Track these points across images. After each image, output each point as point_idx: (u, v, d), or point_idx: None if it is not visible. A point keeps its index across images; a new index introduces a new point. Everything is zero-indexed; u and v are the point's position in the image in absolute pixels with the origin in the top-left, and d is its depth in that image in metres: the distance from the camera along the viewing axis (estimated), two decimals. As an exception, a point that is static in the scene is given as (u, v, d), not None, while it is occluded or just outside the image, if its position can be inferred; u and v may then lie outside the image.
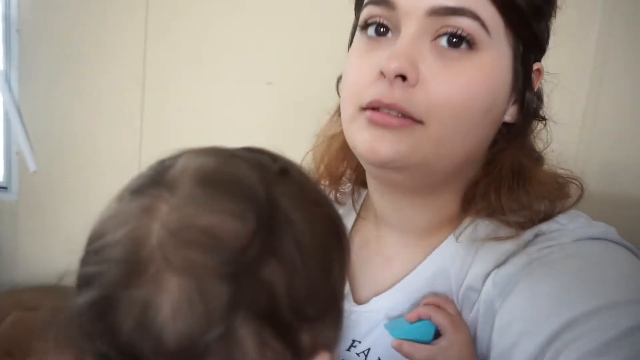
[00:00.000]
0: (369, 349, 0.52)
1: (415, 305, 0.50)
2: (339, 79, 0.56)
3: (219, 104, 1.52)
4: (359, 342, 0.53)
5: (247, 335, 0.28)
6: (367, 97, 0.45)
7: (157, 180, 0.30)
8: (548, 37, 0.50)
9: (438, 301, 0.48)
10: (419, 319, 0.47)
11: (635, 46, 1.12)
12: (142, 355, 0.27)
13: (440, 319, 0.46)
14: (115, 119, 1.66)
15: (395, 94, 0.43)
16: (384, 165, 0.45)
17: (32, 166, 1.82)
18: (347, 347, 0.53)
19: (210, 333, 0.26)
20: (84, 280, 0.29)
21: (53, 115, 1.75)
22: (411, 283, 0.51)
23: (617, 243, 0.45)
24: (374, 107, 0.44)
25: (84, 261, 0.30)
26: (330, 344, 0.33)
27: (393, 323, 0.50)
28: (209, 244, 0.27)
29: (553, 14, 0.49)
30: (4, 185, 1.95)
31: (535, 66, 0.50)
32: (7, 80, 1.83)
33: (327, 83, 0.61)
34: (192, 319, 0.26)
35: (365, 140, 0.45)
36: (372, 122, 0.44)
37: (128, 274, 0.27)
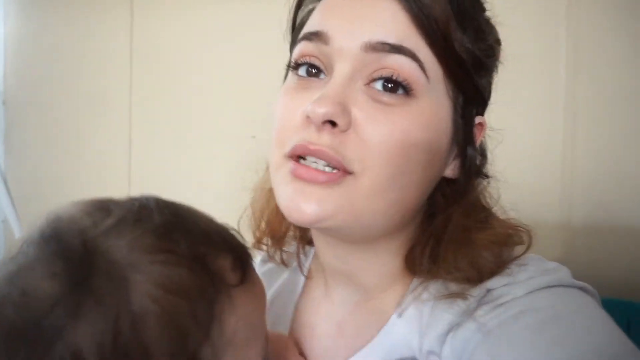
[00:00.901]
0: None
1: None
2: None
3: (203, 159, 1.54)
4: None
5: None
6: (293, 142, 0.40)
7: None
8: (489, 92, 0.47)
9: None
10: None
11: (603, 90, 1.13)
12: None
13: None
14: (104, 182, 1.67)
15: (324, 140, 0.39)
16: (310, 226, 0.42)
17: (17, 233, 1.81)
18: None
19: None
20: None
21: (40, 181, 1.76)
22: (368, 357, 0.46)
23: (572, 287, 0.42)
24: (299, 154, 0.40)
25: None
26: None
27: None
28: (21, 303, 0.27)
29: (495, 70, 0.47)
30: (-10, 256, 1.94)
31: (478, 120, 0.46)
32: (-7, 151, 1.84)
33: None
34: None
35: (288, 196, 0.40)
36: (296, 177, 0.40)
37: None
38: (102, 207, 0.32)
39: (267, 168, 0.54)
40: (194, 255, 0.31)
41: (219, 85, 1.54)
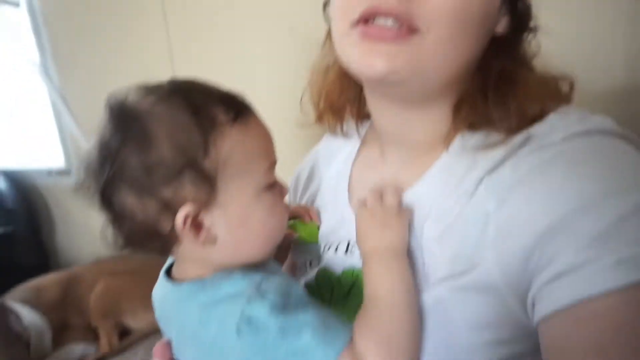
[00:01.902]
0: None
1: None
2: (326, 3, 0.54)
3: (244, 54, 1.54)
4: None
5: (126, 192, 0.44)
6: (362, 6, 0.43)
7: None
8: None
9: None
10: None
11: None
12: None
13: None
14: (148, 75, 1.71)
15: (391, 2, 0.42)
16: (381, 80, 0.44)
17: (83, 144, 1.94)
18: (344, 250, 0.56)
19: (102, 184, 0.44)
20: None
21: (94, 96, 1.83)
22: (411, 195, 0.52)
23: (613, 134, 0.44)
24: (368, 17, 0.43)
25: None
26: (198, 197, 0.44)
27: None
28: (96, 142, 0.45)
29: None
30: (67, 169, 2.11)
31: None
32: (46, 71, 1.92)
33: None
34: (98, 180, 0.44)
35: (359, 55, 0.44)
36: (366, 36, 0.43)
37: None
38: (136, 86, 0.47)
39: (324, 46, 0.60)
40: (192, 103, 0.44)
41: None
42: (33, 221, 2.16)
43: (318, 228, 0.62)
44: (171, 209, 0.44)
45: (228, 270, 0.46)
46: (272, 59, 1.48)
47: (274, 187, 0.49)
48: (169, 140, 0.43)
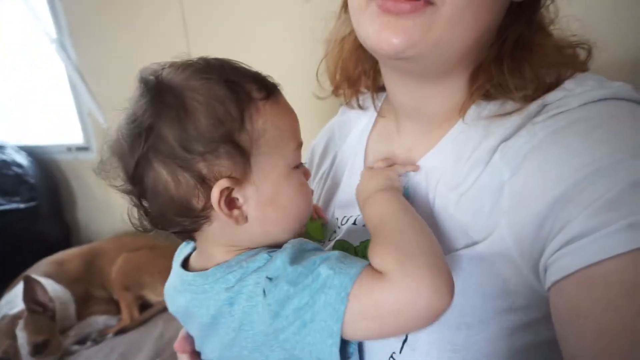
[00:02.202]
0: None
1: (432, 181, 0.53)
2: None
3: (260, 24, 1.52)
4: None
5: (160, 167, 0.43)
6: None
7: None
8: None
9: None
10: None
11: None
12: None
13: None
14: (164, 50, 1.71)
15: None
16: (397, 56, 0.44)
17: (103, 123, 1.96)
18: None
19: (134, 160, 0.43)
20: None
21: (111, 72, 1.84)
22: (427, 166, 0.52)
23: (631, 100, 0.43)
24: None
25: None
26: (233, 172, 0.43)
27: None
28: (128, 117, 0.44)
29: None
30: (85, 146, 2.13)
31: None
32: (64, 47, 1.93)
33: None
34: (131, 155, 0.44)
35: (377, 30, 0.44)
36: (384, 10, 0.43)
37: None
38: (167, 62, 0.47)
39: (340, 17, 0.60)
40: (226, 79, 0.45)
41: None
42: (55, 197, 2.21)
43: (323, 225, 0.61)
44: (206, 183, 0.43)
45: (254, 250, 0.46)
46: (288, 31, 1.46)
47: (300, 169, 0.49)
48: (206, 113, 0.43)
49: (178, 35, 1.64)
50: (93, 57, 1.90)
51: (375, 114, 0.63)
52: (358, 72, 0.62)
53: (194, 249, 0.52)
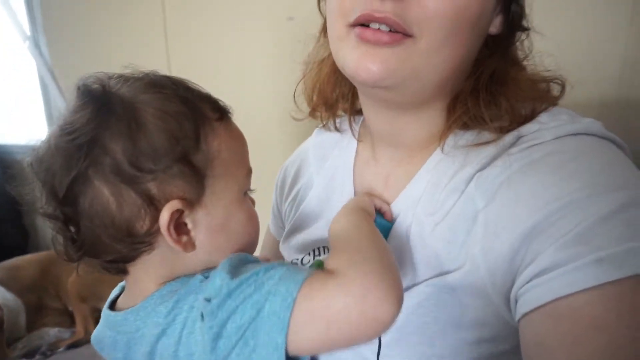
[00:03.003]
0: None
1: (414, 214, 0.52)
2: None
3: (240, 41, 1.51)
4: None
5: (101, 184, 0.39)
6: (357, 12, 0.44)
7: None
8: None
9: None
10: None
11: None
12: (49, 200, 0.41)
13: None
14: (142, 56, 1.68)
15: (387, 7, 0.42)
16: (375, 84, 0.45)
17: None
18: None
19: (70, 177, 0.39)
20: None
21: (85, 72, 1.80)
22: (407, 196, 0.52)
23: (601, 137, 0.45)
24: (363, 22, 0.44)
25: None
26: (187, 195, 0.41)
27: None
28: (63, 129, 0.40)
29: None
30: (52, 147, 2.06)
31: None
32: (37, 45, 1.87)
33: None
34: (65, 171, 0.39)
35: (356, 59, 0.44)
36: (362, 40, 0.44)
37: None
38: (114, 74, 0.44)
39: (319, 40, 0.61)
40: (181, 95, 0.42)
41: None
42: (14, 199, 2.11)
43: None
44: (154, 205, 0.39)
45: (189, 275, 0.43)
46: (268, 50, 1.46)
47: (247, 196, 0.48)
48: (161, 128, 0.39)
49: (158, 43, 1.62)
50: (67, 58, 1.85)
51: (353, 140, 0.63)
52: (335, 96, 0.62)
53: (122, 289, 0.48)
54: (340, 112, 0.64)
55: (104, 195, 0.39)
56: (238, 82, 1.65)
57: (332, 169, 0.63)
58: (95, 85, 0.41)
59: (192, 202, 0.41)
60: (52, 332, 1.55)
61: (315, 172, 0.65)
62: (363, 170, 0.60)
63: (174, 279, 0.43)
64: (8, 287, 1.55)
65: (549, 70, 0.51)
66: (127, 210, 0.39)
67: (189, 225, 0.41)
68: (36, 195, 0.43)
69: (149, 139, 0.39)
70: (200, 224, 0.42)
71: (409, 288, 0.46)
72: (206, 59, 1.55)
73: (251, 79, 1.52)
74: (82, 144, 0.38)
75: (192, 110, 0.42)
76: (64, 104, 1.57)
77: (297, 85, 0.64)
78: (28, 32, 1.87)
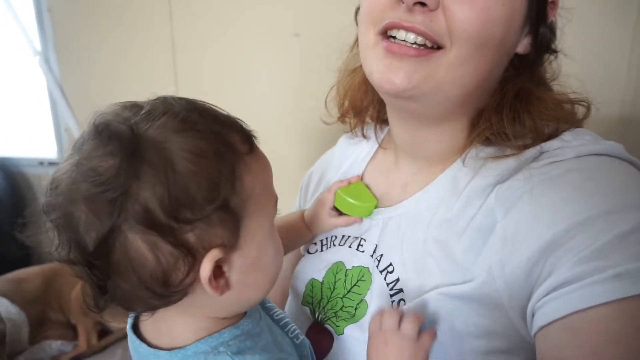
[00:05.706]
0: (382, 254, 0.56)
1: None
2: (357, 9, 0.56)
3: (247, 56, 1.53)
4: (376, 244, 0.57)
5: (136, 238, 0.36)
6: (385, 20, 0.46)
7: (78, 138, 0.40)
8: None
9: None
10: None
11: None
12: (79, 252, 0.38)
13: None
14: (151, 84, 1.70)
15: (416, 18, 0.44)
16: (398, 95, 0.47)
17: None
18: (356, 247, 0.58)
19: (102, 232, 0.36)
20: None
21: (93, 90, 1.82)
22: (420, 198, 0.54)
23: (622, 159, 0.45)
24: (391, 28, 0.46)
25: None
26: (226, 242, 0.38)
27: None
28: (89, 178, 0.36)
29: None
30: (58, 161, 2.07)
31: None
32: (47, 61, 1.90)
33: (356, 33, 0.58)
34: (95, 226, 0.36)
35: (381, 70, 0.47)
36: (389, 52, 0.46)
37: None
38: (134, 105, 0.40)
39: (352, 49, 0.63)
40: (211, 130, 0.39)
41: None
42: (19, 211, 2.12)
43: (375, 207, 0.60)
44: (192, 255, 0.37)
45: (216, 341, 0.42)
46: (274, 65, 1.48)
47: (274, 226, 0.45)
48: (197, 173, 0.36)
49: (165, 58, 1.64)
50: (76, 74, 1.87)
51: (376, 145, 0.65)
52: (365, 103, 0.65)
53: None
54: (368, 119, 0.67)
55: (140, 250, 0.36)
56: (244, 95, 1.67)
57: (347, 167, 0.66)
58: (122, 127, 0.37)
59: (229, 248, 0.39)
60: (54, 345, 1.54)
61: (334, 175, 0.68)
62: (384, 176, 0.62)
63: (210, 334, 0.42)
64: (12, 299, 1.54)
65: (574, 92, 0.52)
66: (164, 263, 0.37)
67: (225, 268, 0.40)
68: (49, 238, 0.41)
69: (186, 187, 0.36)
70: (234, 265, 0.40)
71: (424, 292, 0.47)
72: (213, 74, 1.57)
73: (257, 92, 1.54)
74: (114, 199, 0.35)
75: (225, 146, 0.39)
76: (73, 119, 1.57)
77: (330, 90, 0.68)
78: (38, 47, 1.90)
